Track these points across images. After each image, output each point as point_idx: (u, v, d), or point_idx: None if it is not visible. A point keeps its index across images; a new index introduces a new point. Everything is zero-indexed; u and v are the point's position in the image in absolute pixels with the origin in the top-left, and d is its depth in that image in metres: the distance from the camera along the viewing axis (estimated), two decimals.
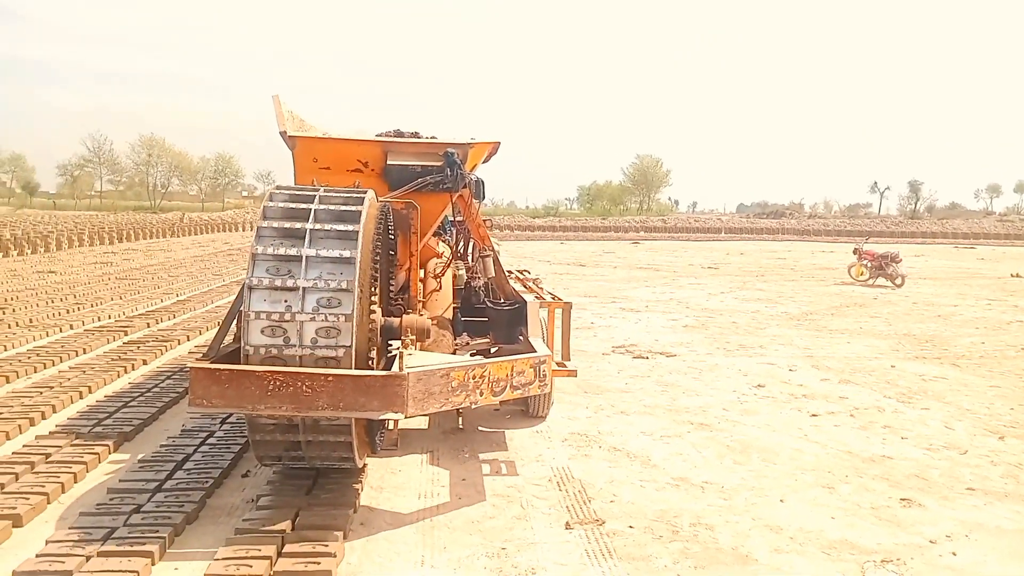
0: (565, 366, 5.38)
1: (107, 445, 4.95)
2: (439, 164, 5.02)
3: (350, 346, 3.55)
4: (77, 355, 7.78)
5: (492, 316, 5.82)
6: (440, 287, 6.01)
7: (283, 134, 5.04)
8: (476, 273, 6.52)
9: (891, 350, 9.19)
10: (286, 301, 3.56)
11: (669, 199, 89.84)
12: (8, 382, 6.62)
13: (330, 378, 3.43)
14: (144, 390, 6.33)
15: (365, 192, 4.07)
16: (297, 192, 4.01)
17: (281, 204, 3.87)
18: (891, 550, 3.76)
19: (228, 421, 5.48)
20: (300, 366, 3.55)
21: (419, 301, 5.24)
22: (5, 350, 7.95)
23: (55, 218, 36.64)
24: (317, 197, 3.91)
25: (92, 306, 11.21)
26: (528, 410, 5.94)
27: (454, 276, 6.59)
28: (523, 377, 4.08)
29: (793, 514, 4.19)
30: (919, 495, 4.50)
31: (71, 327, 9.39)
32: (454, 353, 5.29)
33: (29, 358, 7.45)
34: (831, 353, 8.95)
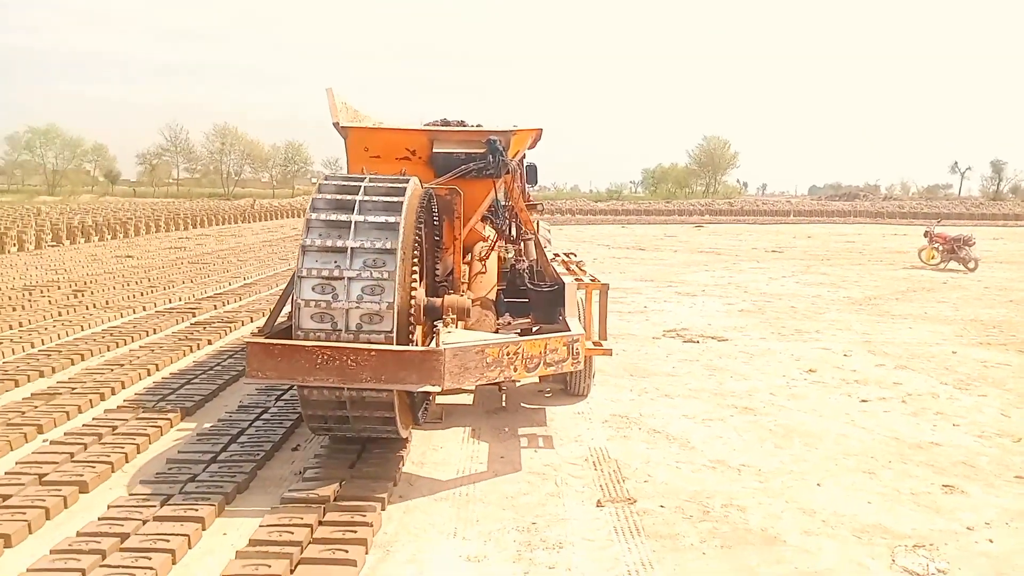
0: (601, 345, 5.48)
1: (169, 419, 5.27)
2: (482, 151, 5.15)
3: (391, 331, 3.78)
4: (147, 335, 8.22)
5: (532, 297, 5.98)
6: (485, 269, 6.18)
7: (336, 125, 5.27)
8: (522, 256, 6.65)
9: (955, 336, 8.89)
10: (333, 289, 3.81)
11: (737, 181, 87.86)
12: (83, 360, 7.05)
13: (373, 353, 3.67)
14: (207, 368, 6.68)
15: (407, 181, 4.22)
16: (343, 183, 4.20)
17: (328, 196, 4.10)
18: (925, 535, 3.72)
19: (282, 398, 5.74)
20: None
21: (463, 283, 5.37)
22: (82, 330, 8.46)
23: (134, 205, 38.38)
24: (362, 188, 4.09)
25: (164, 289, 11.79)
26: (567, 388, 6.04)
27: (500, 259, 6.75)
28: (556, 355, 4.21)
29: (829, 498, 4.17)
30: (963, 482, 4.41)
31: (144, 308, 9.89)
32: (496, 332, 5.41)
33: (103, 337, 7.92)
34: (890, 339, 8.72)
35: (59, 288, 11.54)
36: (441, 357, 3.72)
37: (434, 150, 5.22)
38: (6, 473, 4.25)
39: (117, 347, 7.63)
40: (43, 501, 3.87)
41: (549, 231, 11.37)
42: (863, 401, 6.10)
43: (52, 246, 20.07)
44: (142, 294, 11.19)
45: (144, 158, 72.91)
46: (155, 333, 8.37)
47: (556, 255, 7.52)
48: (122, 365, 6.67)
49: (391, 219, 3.96)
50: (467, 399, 6.01)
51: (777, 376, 6.92)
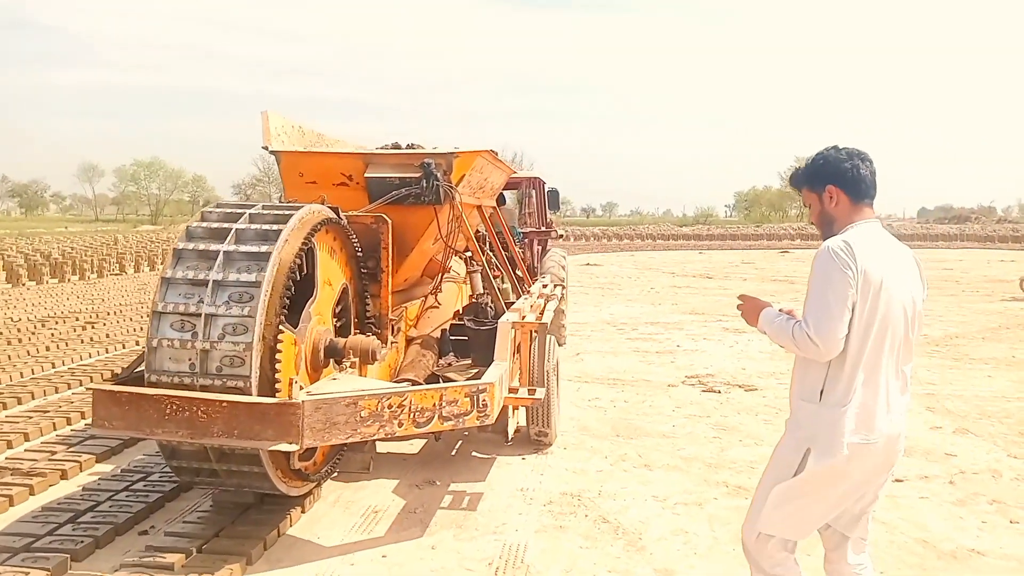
0: (533, 393, 4.72)
1: (109, 447, 5.12)
2: (417, 175, 4.59)
3: (249, 376, 3.35)
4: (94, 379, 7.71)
5: (470, 336, 5.22)
6: (438, 304, 5.64)
7: (266, 148, 4.82)
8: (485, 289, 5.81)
9: None
10: (193, 327, 3.40)
11: None
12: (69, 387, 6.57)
13: (224, 404, 3.25)
14: None
15: (299, 208, 3.78)
16: (229, 211, 3.79)
17: (206, 224, 3.70)
18: None
19: None
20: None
21: (390, 320, 4.75)
22: (53, 367, 8.03)
23: None
24: (246, 215, 3.70)
25: None
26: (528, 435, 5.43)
27: (470, 293, 6.17)
28: (455, 407, 3.67)
29: None
30: None
31: (136, 344, 9.47)
32: (431, 374, 4.91)
33: (76, 372, 7.47)
34: (960, 390, 7.23)
35: (76, 319, 11.37)
36: (298, 410, 3.22)
37: (367, 174, 4.68)
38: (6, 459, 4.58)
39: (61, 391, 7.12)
40: None
41: (565, 257, 10.43)
42: (896, 481, 4.78)
43: (115, 275, 20.49)
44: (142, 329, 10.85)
45: (239, 188, 76.02)
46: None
47: (550, 283, 6.68)
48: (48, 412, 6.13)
49: (263, 248, 3.50)
50: (413, 446, 5.41)
51: None
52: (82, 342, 9.37)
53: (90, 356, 8.57)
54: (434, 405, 3.62)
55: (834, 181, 2.48)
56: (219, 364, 3.37)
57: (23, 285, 17.08)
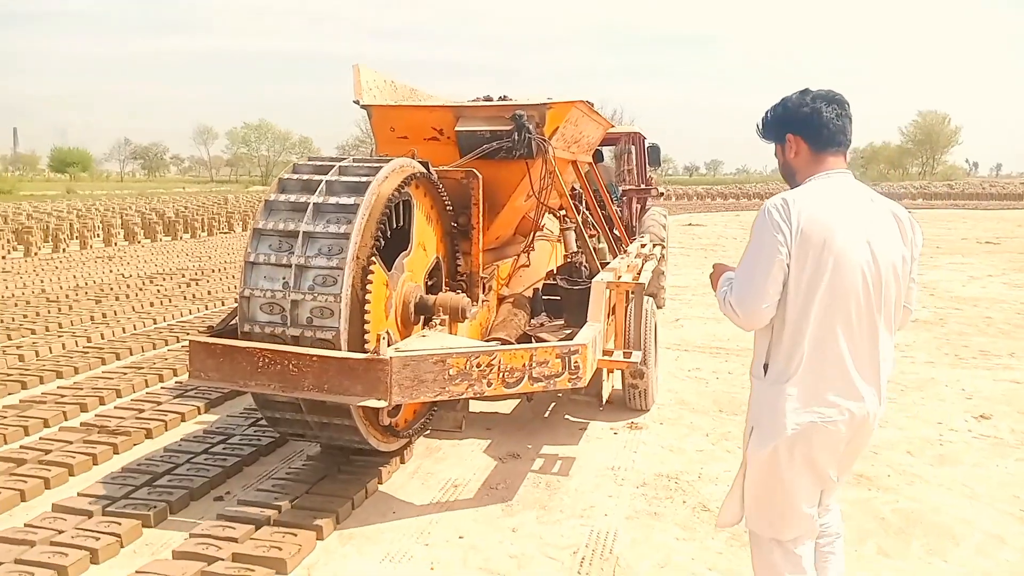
0: (628, 356, 4.45)
1: (196, 407, 5.16)
2: (508, 128, 4.41)
3: (338, 328, 3.32)
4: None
5: (563, 296, 5.04)
6: (529, 263, 5.44)
7: (357, 103, 4.74)
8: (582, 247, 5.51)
9: None
10: (284, 278, 3.40)
11: (966, 161, 77.61)
12: (166, 344, 6.70)
13: (315, 358, 3.25)
14: None
15: (387, 161, 3.74)
16: (320, 163, 3.78)
17: (297, 176, 3.68)
18: None
19: None
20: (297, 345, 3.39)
21: (481, 278, 4.61)
22: (180, 316, 8.25)
23: None
24: (336, 168, 3.67)
25: None
26: (626, 400, 5.27)
27: (564, 251, 5.85)
28: (546, 368, 3.56)
29: None
30: None
31: (223, 303, 9.61)
32: (524, 334, 4.76)
33: (175, 329, 7.66)
34: None
35: (182, 276, 11.72)
36: (386, 366, 3.18)
37: (457, 128, 4.50)
38: (82, 424, 4.73)
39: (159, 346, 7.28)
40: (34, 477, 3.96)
41: (665, 216, 9.86)
42: None
43: (223, 233, 21.21)
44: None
45: (342, 149, 77.67)
46: None
47: (642, 246, 6.29)
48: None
49: (352, 200, 3.48)
50: (506, 406, 5.27)
51: (930, 423, 5.03)
52: (184, 299, 9.59)
53: (190, 312, 8.73)
54: (524, 365, 3.51)
55: (793, 128, 2.24)
56: (309, 315, 3.37)
57: (138, 243, 17.90)
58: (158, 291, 10.13)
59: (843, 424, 2.13)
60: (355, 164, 3.73)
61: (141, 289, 10.28)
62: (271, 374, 3.28)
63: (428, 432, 4.49)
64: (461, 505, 3.82)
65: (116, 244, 17.26)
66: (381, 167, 3.65)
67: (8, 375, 5.87)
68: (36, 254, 14.99)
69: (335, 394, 3.25)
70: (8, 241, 15.22)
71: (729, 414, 5.23)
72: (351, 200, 3.49)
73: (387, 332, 3.32)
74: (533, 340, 4.59)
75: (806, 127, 2.21)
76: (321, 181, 3.59)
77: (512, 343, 4.38)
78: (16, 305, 8.91)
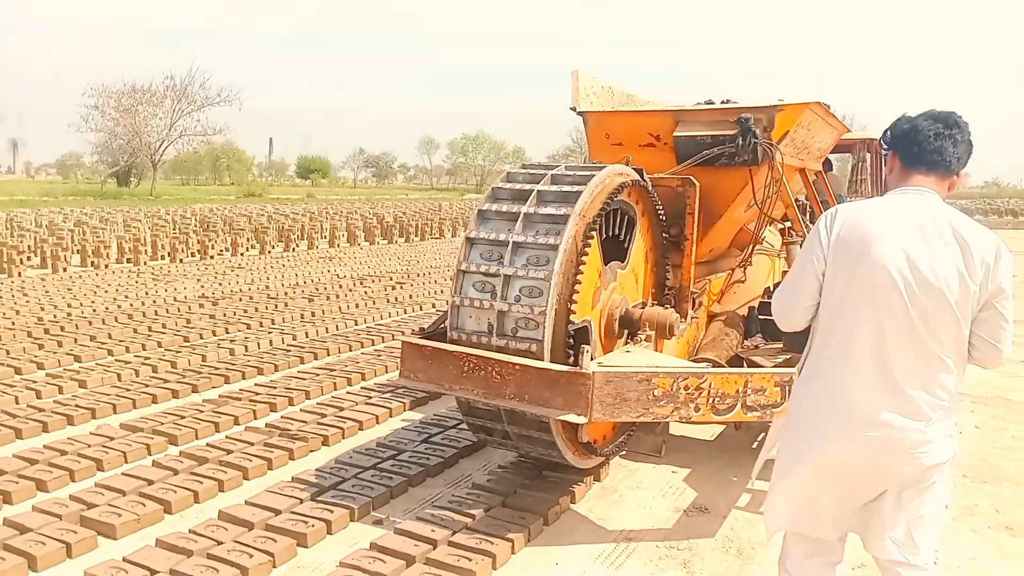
0: None
1: (403, 403, 5.37)
2: (731, 133, 4.15)
3: (542, 340, 3.30)
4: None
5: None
6: (744, 278, 5.09)
7: (574, 109, 4.70)
8: None
9: None
10: (492, 288, 3.43)
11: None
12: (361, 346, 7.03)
13: (516, 367, 3.23)
14: None
15: (601, 168, 3.63)
16: (533, 171, 3.76)
17: (509, 185, 3.71)
18: None
19: None
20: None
21: (691, 293, 4.36)
22: (380, 319, 8.64)
23: None
24: (548, 176, 3.63)
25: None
26: None
27: (780, 269, 5.51)
28: (762, 397, 3.35)
29: None
30: None
31: (420, 307, 9.73)
32: (735, 355, 4.45)
33: (371, 332, 8.05)
34: None
35: (390, 279, 12.21)
36: (588, 381, 3.10)
37: (675, 133, 4.34)
38: (267, 425, 4.86)
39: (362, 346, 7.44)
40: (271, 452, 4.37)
41: None
42: None
43: (434, 238, 22.07)
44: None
45: (554, 158, 79.14)
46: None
47: None
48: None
49: (562, 211, 3.42)
50: (709, 431, 4.90)
51: None
52: (387, 302, 9.87)
53: (388, 316, 8.92)
54: (737, 392, 3.32)
55: (891, 143, 2.26)
56: (514, 325, 3.37)
57: (358, 245, 19.05)
58: (365, 292, 10.51)
59: (859, 441, 2.10)
60: (567, 172, 3.63)
61: (351, 290, 10.74)
62: (475, 380, 3.30)
63: (624, 453, 4.26)
64: (632, 568, 3.34)
65: (338, 245, 18.48)
66: (594, 175, 3.54)
67: (216, 369, 6.19)
68: (269, 252, 16.39)
69: (535, 405, 3.19)
70: (247, 239, 16.77)
71: (975, 481, 4.23)
72: (561, 211, 3.41)
73: (586, 349, 3.17)
74: (745, 364, 4.27)
75: (901, 142, 2.21)
76: (532, 191, 3.54)
77: (722, 365, 4.09)
78: (240, 300, 9.61)
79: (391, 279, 12.05)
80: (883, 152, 2.34)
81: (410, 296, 10.34)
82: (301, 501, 3.69)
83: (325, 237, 19.58)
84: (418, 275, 12.75)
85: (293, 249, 17.20)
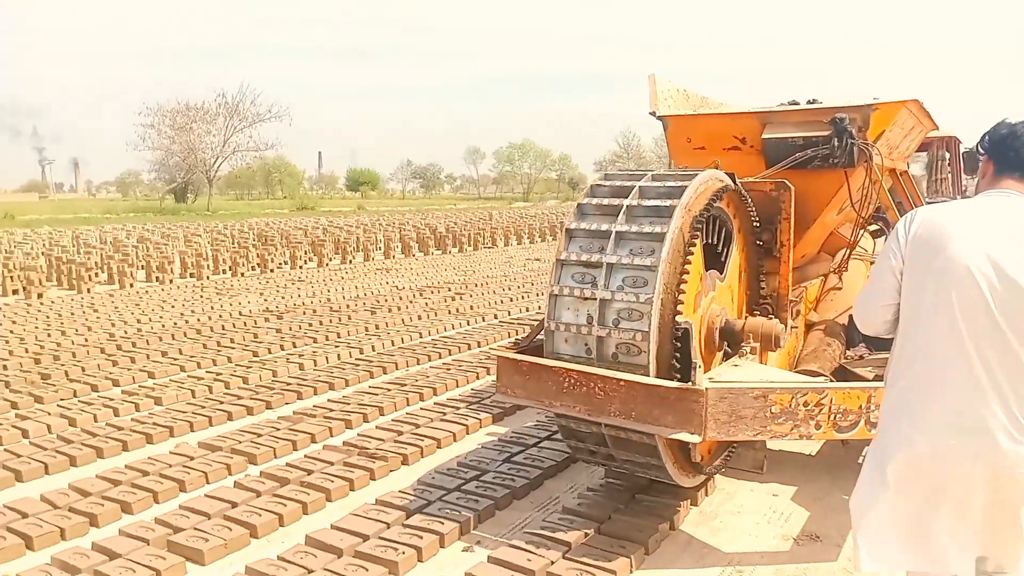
0: None
1: (478, 419, 5.22)
2: (825, 134, 4.02)
3: (647, 365, 3.12)
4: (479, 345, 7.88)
5: None
6: (841, 285, 4.90)
7: (653, 114, 4.59)
8: None
9: None
10: (588, 312, 3.27)
11: None
12: (429, 360, 7.05)
13: (622, 383, 3.08)
14: None
15: (692, 177, 3.42)
16: (619, 184, 3.56)
17: (596, 200, 3.51)
18: None
19: None
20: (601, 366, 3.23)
21: (789, 301, 4.14)
22: (443, 330, 8.52)
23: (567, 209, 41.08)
24: (636, 189, 3.43)
25: (516, 300, 11.44)
26: None
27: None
28: None
29: None
30: None
31: (483, 318, 9.61)
32: (840, 368, 4.26)
33: (437, 344, 7.91)
34: None
35: (448, 289, 12.14)
36: (701, 398, 2.95)
37: (764, 135, 4.20)
38: (344, 444, 4.77)
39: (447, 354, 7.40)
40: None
41: None
42: None
43: (487, 247, 22.02)
44: (510, 300, 10.99)
45: (600, 165, 78.56)
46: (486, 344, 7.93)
47: None
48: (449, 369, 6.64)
49: (657, 228, 3.24)
50: (810, 446, 4.69)
51: None
52: (448, 313, 9.77)
53: (452, 328, 8.81)
54: (860, 408, 3.11)
55: (986, 148, 2.18)
56: (615, 351, 3.20)
57: (413, 256, 19.09)
58: (426, 304, 10.44)
59: (928, 452, 1.99)
60: (655, 184, 3.44)
61: (411, 301, 10.68)
62: (577, 396, 3.17)
63: (724, 470, 4.07)
64: None
65: (394, 256, 18.56)
66: (686, 185, 3.35)
67: (288, 384, 6.15)
68: (327, 265, 16.51)
69: (643, 423, 3.04)
70: (305, 252, 16.93)
71: None
72: (656, 228, 3.23)
73: (697, 364, 2.99)
74: (849, 375, 4.06)
75: (995, 147, 2.15)
76: (634, 186, 3.41)
77: (827, 377, 3.87)
78: (303, 313, 9.62)
79: (449, 290, 11.97)
80: (979, 156, 2.25)
81: (471, 307, 10.22)
82: (388, 525, 3.56)
83: (379, 248, 19.67)
84: (476, 285, 12.65)
85: (350, 261, 17.29)
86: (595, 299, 3.22)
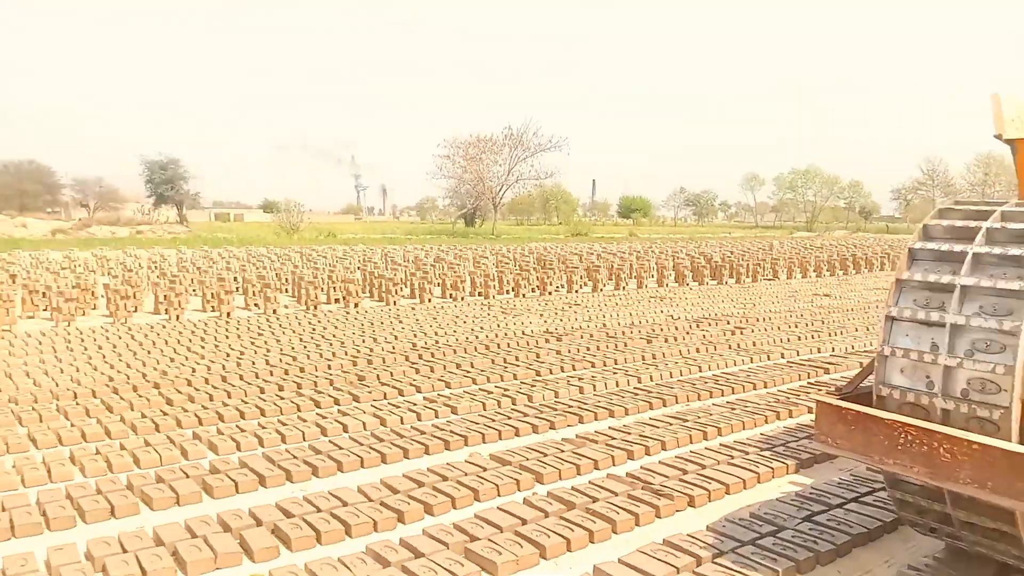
0: None
1: (786, 464, 4.95)
2: None
3: (1008, 407, 2.70)
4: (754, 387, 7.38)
5: None
6: None
7: (998, 137, 4.04)
8: None
9: None
10: (932, 339, 2.95)
11: None
12: (711, 396, 6.74)
13: (975, 446, 2.69)
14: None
15: None
16: (973, 208, 3.24)
17: (947, 222, 3.21)
18: None
19: None
20: (944, 422, 2.87)
21: None
22: (724, 366, 8.18)
23: (881, 241, 37.53)
24: (999, 213, 3.11)
25: (804, 338, 10.56)
26: None
27: None
28: None
29: None
30: None
31: (768, 356, 8.99)
32: None
33: (719, 380, 7.59)
34: None
35: (727, 322, 11.67)
36: None
37: None
38: (627, 475, 4.74)
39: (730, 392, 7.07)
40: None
41: None
42: None
43: (767, 279, 20.90)
44: (798, 339, 10.28)
45: (898, 193, 71.13)
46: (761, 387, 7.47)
47: None
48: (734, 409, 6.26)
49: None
50: None
51: None
52: (729, 347, 9.36)
53: (734, 364, 8.40)
54: None
55: None
56: (965, 386, 2.83)
57: (686, 285, 18.69)
58: (703, 336, 10.11)
59: None
60: (1020, 209, 3.09)
61: (688, 333, 10.40)
62: (914, 455, 2.82)
63: None
64: None
65: (667, 285, 18.31)
66: None
67: (568, 407, 6.25)
68: (601, 290, 16.75)
69: (1006, 496, 2.59)
70: (580, 277, 17.35)
71: None
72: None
73: None
74: None
75: None
76: (980, 227, 3.05)
77: None
78: (581, 337, 9.80)
79: (728, 323, 11.48)
80: None
81: (752, 343, 9.69)
82: (678, 571, 3.42)
83: (652, 276, 19.55)
84: (757, 320, 11.98)
85: (623, 287, 17.40)
86: (943, 325, 2.85)
